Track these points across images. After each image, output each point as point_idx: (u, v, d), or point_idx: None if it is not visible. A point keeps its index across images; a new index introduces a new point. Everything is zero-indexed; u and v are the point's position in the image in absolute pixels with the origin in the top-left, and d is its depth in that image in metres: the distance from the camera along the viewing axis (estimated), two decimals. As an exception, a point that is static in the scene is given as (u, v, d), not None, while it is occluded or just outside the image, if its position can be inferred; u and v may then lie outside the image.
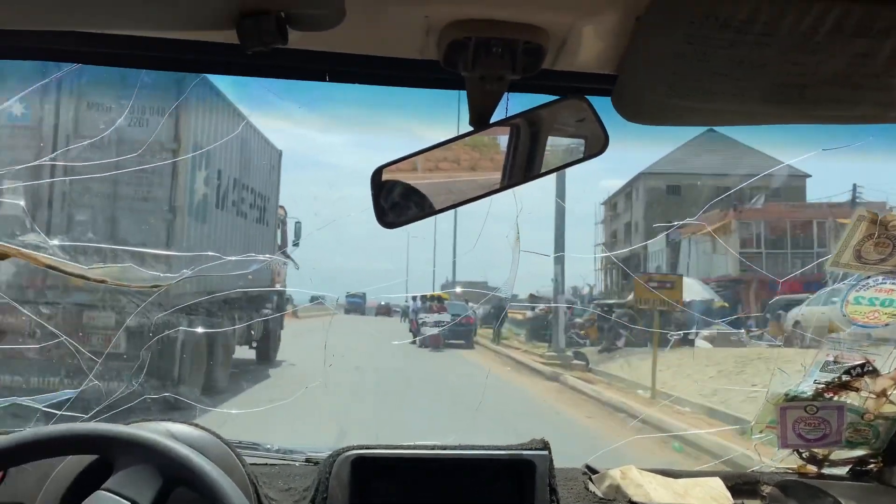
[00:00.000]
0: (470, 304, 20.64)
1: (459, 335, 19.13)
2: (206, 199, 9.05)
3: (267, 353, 11.71)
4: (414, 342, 18.07)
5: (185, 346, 8.23)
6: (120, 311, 7.18)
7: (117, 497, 1.05)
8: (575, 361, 15.98)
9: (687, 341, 13.56)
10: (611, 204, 44.48)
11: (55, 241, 1.39)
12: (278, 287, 10.64)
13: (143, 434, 1.10)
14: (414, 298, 19.17)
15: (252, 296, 9.74)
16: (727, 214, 25.85)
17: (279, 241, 11.78)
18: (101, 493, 1.07)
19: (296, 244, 11.57)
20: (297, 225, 11.84)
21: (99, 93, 7.63)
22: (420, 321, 18.79)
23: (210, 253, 1.55)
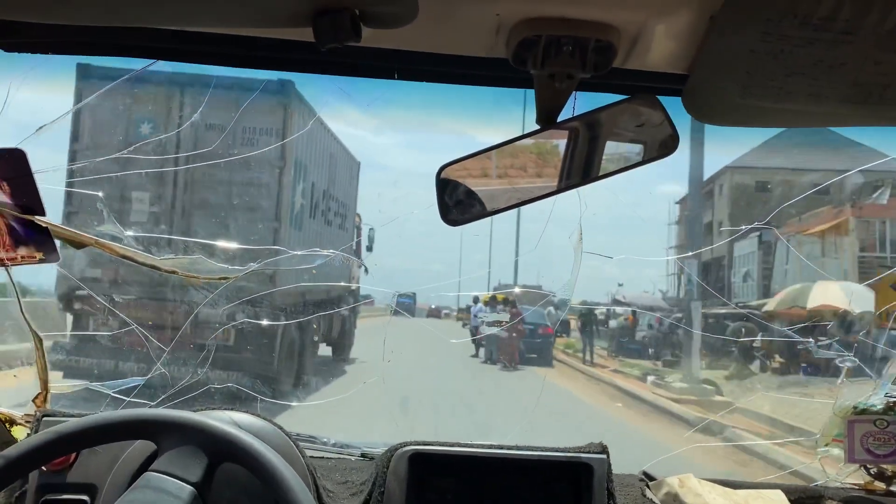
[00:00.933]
0: (548, 309, 18.46)
1: (534, 348, 16.90)
2: (302, 209, 10.02)
3: (342, 350, 12.64)
4: (475, 355, 16.45)
5: (283, 342, 9.11)
6: (230, 310, 7.43)
7: (165, 476, 1.09)
8: (717, 398, 11.61)
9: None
10: (685, 204, 40.18)
11: (130, 233, 1.44)
12: (353, 286, 11.46)
13: (183, 415, 1.14)
14: (475, 301, 17.61)
15: (332, 297, 10.58)
16: (842, 211, 22.73)
17: (354, 247, 12.57)
18: (150, 474, 1.10)
19: (369, 249, 12.44)
20: (371, 231, 12.65)
21: (216, 115, 8.27)
22: (478, 323, 16.73)
23: (276, 247, 1.58)
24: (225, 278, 1.56)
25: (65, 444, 1.13)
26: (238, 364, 7.98)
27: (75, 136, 8.99)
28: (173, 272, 1.46)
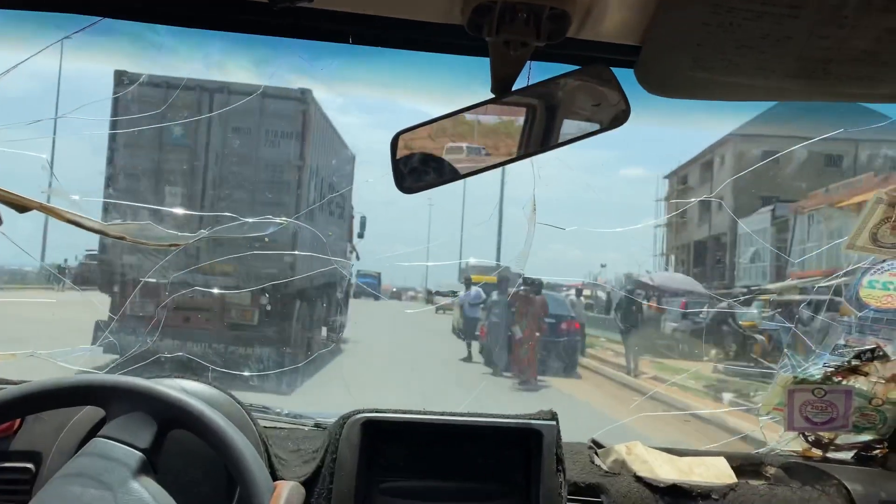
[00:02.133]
0: (568, 298, 15.77)
1: (558, 351, 12.54)
2: (313, 202, 10.67)
3: (336, 331, 13.19)
4: (468, 359, 12.95)
5: (298, 319, 10.14)
6: (253, 293, 9.00)
7: (114, 442, 1.08)
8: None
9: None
10: (679, 177, 36.05)
11: (76, 197, 1.41)
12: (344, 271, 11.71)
13: (133, 381, 1.13)
14: (468, 285, 14.53)
15: (331, 282, 11.32)
16: (890, 179, 19.03)
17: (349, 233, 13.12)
18: (98, 439, 1.09)
19: (360, 236, 12.79)
20: (363, 219, 13.02)
21: (241, 119, 9.38)
22: (474, 315, 13.51)
23: (227, 214, 1.57)
24: (174, 245, 1.53)
25: (8, 409, 1.11)
26: (260, 341, 9.04)
27: (114, 137, 9.77)
28: (121, 238, 1.43)
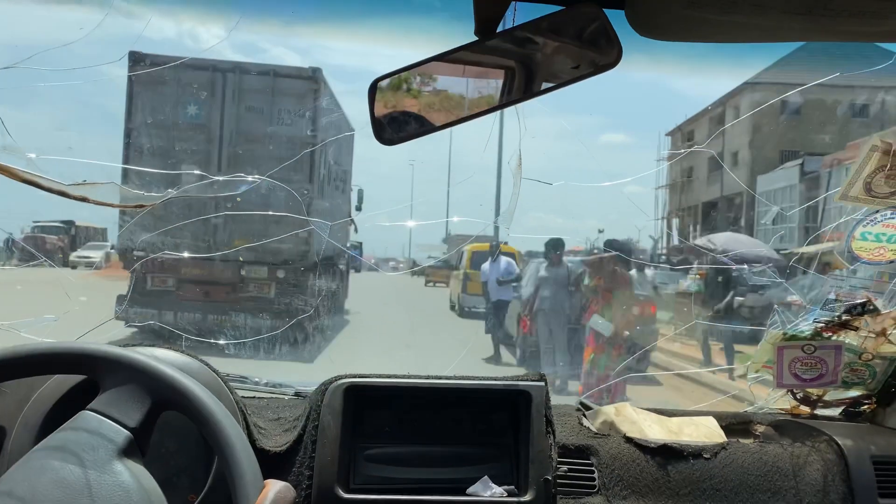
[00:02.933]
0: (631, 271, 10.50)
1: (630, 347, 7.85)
2: (323, 178, 10.94)
3: (340, 301, 13.73)
4: (494, 358, 9.66)
5: (310, 291, 10.35)
6: (270, 267, 9.54)
7: (102, 417, 1.01)
8: None
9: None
10: (684, 133, 32.00)
11: (32, 155, 1.32)
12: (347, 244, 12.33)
13: (132, 355, 1.06)
14: (495, 257, 10.66)
15: (337, 254, 11.53)
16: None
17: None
18: (86, 413, 1.03)
19: (358, 208, 12.83)
20: (360, 192, 13.14)
21: (255, 98, 9.63)
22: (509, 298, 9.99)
23: (196, 172, 1.49)
24: (140, 206, 1.46)
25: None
26: (276, 312, 9.27)
27: (129, 116, 9.95)
28: (83, 199, 1.35)
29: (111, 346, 1.09)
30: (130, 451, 1.00)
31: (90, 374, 1.07)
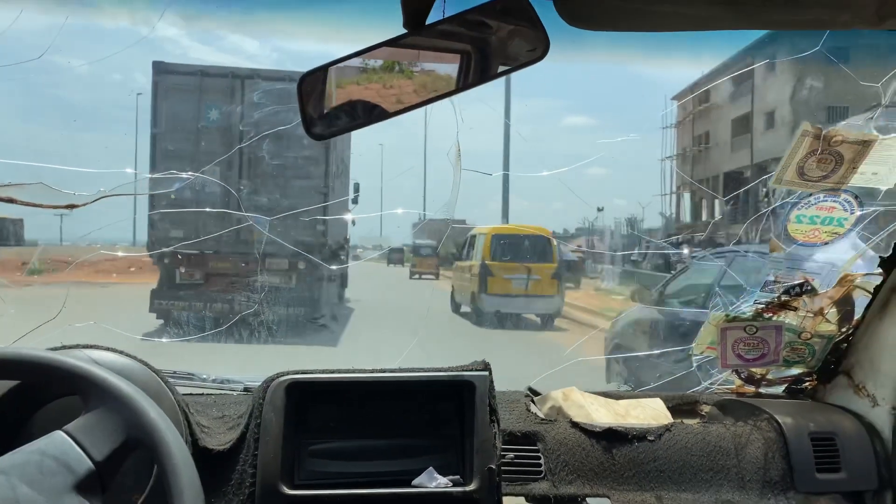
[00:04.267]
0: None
1: None
2: (333, 173, 11.52)
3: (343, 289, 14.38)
4: None
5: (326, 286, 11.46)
6: (291, 259, 10.05)
7: (73, 442, 0.99)
8: None
9: None
10: (697, 98, 26.81)
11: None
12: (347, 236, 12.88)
13: (121, 386, 1.03)
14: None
15: (337, 247, 12.03)
16: None
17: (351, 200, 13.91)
18: (59, 433, 1.00)
19: (354, 201, 13.22)
20: (357, 185, 13.38)
21: (279, 101, 9.67)
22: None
23: (129, 170, 1.47)
24: (72, 206, 1.42)
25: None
26: (299, 301, 10.12)
27: (155, 122, 10.73)
28: (10, 200, 1.32)
29: (99, 369, 1.06)
30: (89, 486, 0.98)
31: (78, 394, 1.05)
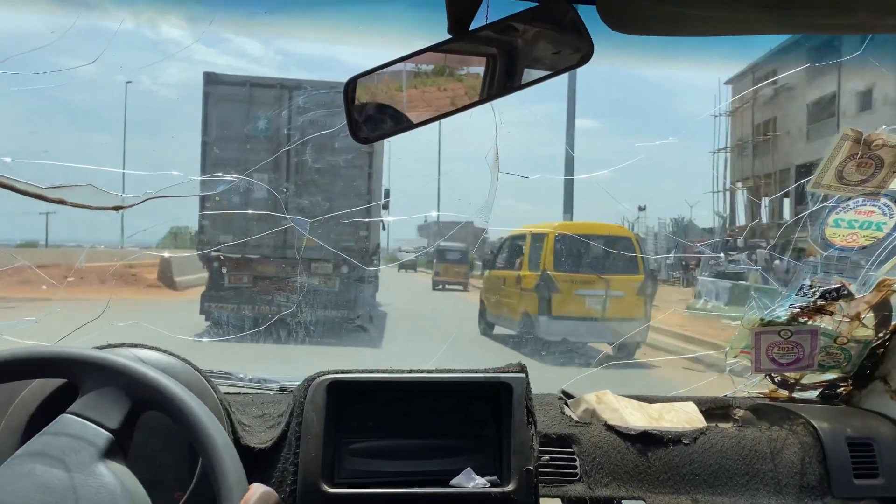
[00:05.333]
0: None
1: None
2: (374, 176, 11.79)
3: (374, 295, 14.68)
4: None
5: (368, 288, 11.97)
6: (335, 263, 10.43)
7: (83, 420, 1.02)
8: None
9: None
10: (757, 77, 20.35)
11: (7, 159, 1.32)
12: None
13: (110, 357, 1.06)
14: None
15: (373, 251, 12.40)
16: None
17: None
18: (66, 416, 1.03)
19: (385, 207, 13.34)
20: (387, 191, 13.62)
21: (325, 110, 10.08)
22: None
23: (174, 172, 1.51)
24: (119, 207, 1.46)
25: None
26: (343, 303, 10.55)
27: (205, 130, 11.17)
28: (60, 201, 1.35)
29: (90, 349, 1.09)
30: (112, 452, 1.01)
31: (69, 378, 1.08)
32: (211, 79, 11.21)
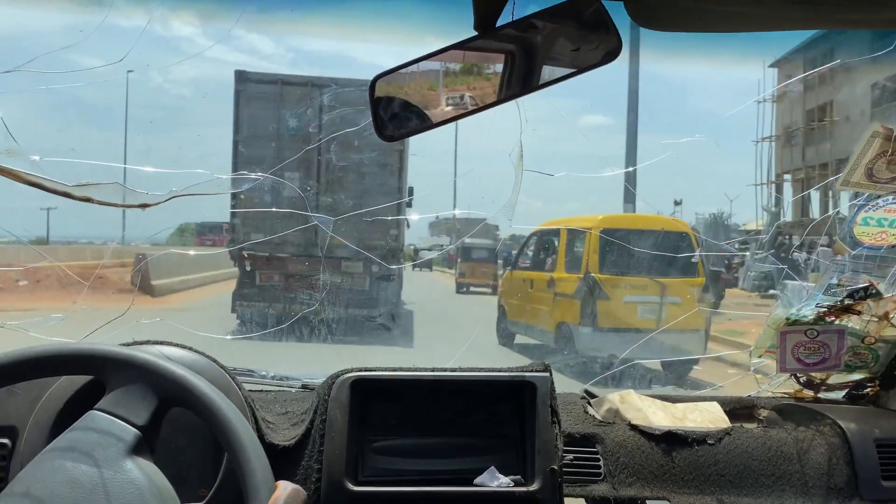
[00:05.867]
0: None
1: None
2: (403, 174, 11.98)
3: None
4: None
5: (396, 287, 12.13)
6: (365, 262, 10.52)
7: (111, 416, 1.02)
8: None
9: None
10: (808, 57, 18.12)
11: (36, 157, 1.33)
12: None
13: (137, 354, 1.07)
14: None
15: (397, 249, 12.42)
16: None
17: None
18: (94, 412, 1.03)
19: (409, 205, 13.47)
20: (411, 189, 13.57)
21: (355, 108, 9.90)
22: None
23: (199, 171, 1.51)
24: (145, 205, 1.46)
25: (4, 374, 1.06)
26: (372, 302, 10.74)
27: (237, 129, 11.26)
28: (87, 199, 1.36)
29: (117, 346, 1.09)
30: (140, 448, 1.01)
31: (97, 374, 1.08)
32: (242, 77, 11.27)
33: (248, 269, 10.81)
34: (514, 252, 10.83)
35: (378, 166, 11.37)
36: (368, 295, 10.81)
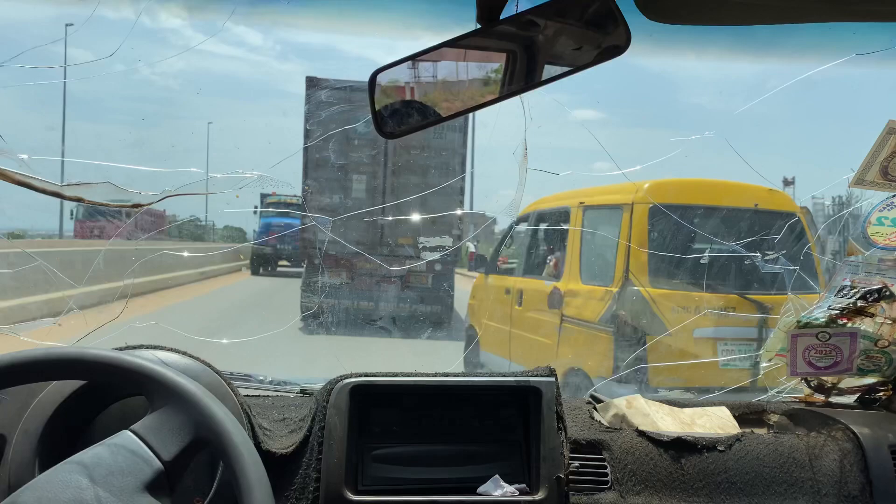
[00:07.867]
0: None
1: None
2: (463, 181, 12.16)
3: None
4: None
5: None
6: (429, 261, 10.60)
7: (142, 443, 0.99)
8: None
9: None
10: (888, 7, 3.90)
11: (24, 156, 1.29)
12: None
13: (187, 385, 1.03)
14: None
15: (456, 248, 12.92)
16: None
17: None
18: (127, 433, 1.00)
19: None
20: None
21: None
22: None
23: (193, 169, 1.48)
24: (138, 206, 1.43)
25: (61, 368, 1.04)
26: (434, 299, 10.96)
27: (307, 133, 11.15)
28: (79, 199, 1.32)
29: (166, 369, 1.05)
30: (158, 486, 0.97)
31: (144, 394, 1.05)
32: (312, 83, 11.55)
33: (316, 267, 11.03)
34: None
35: (440, 168, 11.63)
36: (431, 292, 11.08)
